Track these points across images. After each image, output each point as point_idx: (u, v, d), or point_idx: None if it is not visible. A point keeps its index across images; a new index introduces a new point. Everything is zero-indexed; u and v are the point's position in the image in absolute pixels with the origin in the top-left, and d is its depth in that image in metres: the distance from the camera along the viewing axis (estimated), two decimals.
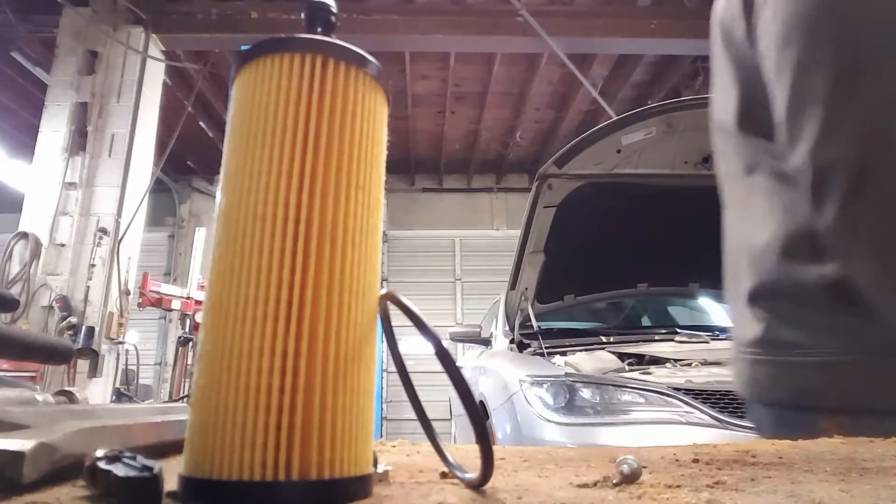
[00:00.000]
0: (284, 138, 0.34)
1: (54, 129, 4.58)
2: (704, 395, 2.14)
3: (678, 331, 3.08)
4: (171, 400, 5.27)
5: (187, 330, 5.47)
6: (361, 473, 0.33)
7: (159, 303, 5.30)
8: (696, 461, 0.46)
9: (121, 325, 4.41)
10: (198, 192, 9.13)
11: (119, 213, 4.46)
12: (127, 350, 4.68)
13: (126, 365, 4.70)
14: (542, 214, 3.12)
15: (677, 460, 0.47)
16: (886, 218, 0.62)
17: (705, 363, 2.49)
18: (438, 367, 0.34)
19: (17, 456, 0.29)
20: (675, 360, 2.52)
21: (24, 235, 4.29)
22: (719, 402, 2.11)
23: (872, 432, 0.59)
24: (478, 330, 4.02)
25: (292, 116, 0.34)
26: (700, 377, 2.28)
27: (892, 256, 0.62)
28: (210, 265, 0.34)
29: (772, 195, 0.78)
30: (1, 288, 3.93)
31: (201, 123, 7.32)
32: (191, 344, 5.31)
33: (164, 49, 5.22)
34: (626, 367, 2.50)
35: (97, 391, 4.16)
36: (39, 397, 0.49)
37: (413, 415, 0.43)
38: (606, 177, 3.10)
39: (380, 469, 0.38)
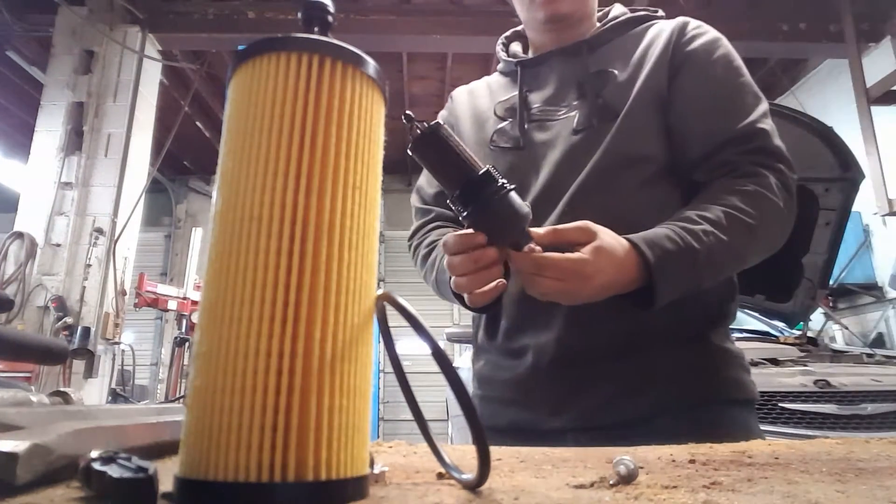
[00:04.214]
0: (281, 138, 0.34)
1: (50, 128, 4.56)
2: None
3: None
4: (167, 401, 5.25)
5: (184, 330, 5.45)
6: (357, 474, 0.33)
7: (155, 303, 5.29)
8: (692, 462, 0.46)
9: (117, 325, 4.39)
10: (194, 192, 9.10)
11: (115, 213, 4.44)
12: (123, 350, 4.67)
13: (122, 365, 4.68)
14: None
15: (674, 461, 0.47)
16: None
17: None
18: (435, 367, 0.34)
19: (11, 457, 0.29)
20: None
21: (20, 235, 4.27)
22: None
23: None
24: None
25: (289, 116, 0.34)
26: None
27: None
28: (206, 265, 0.34)
29: None
30: None
31: (198, 123, 7.30)
32: (187, 344, 5.30)
33: (160, 49, 5.20)
34: None
35: (93, 392, 4.14)
36: (34, 398, 0.48)
37: (410, 415, 0.43)
38: None
39: (376, 470, 0.38)
